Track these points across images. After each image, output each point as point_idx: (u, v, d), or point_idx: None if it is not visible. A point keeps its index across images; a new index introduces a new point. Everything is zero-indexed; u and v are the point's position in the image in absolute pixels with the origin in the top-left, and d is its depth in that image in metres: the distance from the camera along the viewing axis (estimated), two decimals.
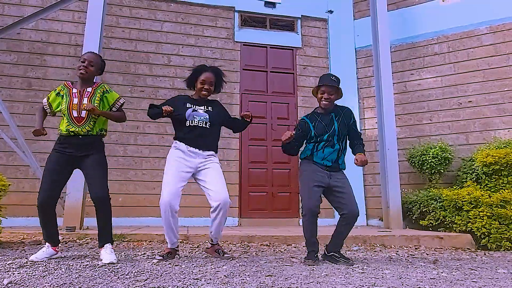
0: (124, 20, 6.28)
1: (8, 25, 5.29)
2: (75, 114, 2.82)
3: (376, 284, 2.16)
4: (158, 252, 3.23)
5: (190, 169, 2.97)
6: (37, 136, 2.88)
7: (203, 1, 6.56)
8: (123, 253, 3.22)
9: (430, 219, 4.96)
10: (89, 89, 2.92)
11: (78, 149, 2.83)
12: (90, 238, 3.96)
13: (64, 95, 2.88)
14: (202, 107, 3.06)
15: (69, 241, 3.86)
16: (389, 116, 5.47)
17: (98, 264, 2.57)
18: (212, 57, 6.45)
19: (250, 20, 6.77)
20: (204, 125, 3.00)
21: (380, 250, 3.87)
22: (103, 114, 2.88)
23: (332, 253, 2.98)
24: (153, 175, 5.93)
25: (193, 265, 2.66)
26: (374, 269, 2.68)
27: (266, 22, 6.81)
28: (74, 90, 2.89)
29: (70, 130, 2.80)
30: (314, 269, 2.64)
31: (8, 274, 2.17)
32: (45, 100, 2.98)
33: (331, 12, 6.98)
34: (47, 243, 2.85)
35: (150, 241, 4.03)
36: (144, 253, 3.19)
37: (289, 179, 6.42)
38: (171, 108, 2.92)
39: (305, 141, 3.13)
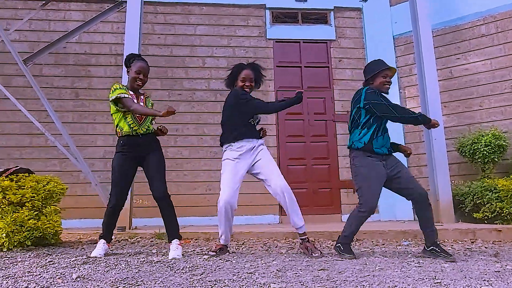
0: (160, 27, 6.46)
1: (55, 40, 5.59)
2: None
3: (436, 278, 2.06)
4: (208, 248, 3.29)
5: (245, 165, 3.02)
6: (171, 114, 2.76)
7: (234, 1, 6.61)
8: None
9: (485, 212, 4.67)
10: (142, 98, 3.11)
11: (141, 148, 3.00)
12: (140, 237, 4.12)
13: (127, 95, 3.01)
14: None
15: (122, 240, 4.04)
16: (434, 105, 5.21)
17: (154, 260, 2.66)
18: (245, 56, 6.47)
19: (282, 16, 6.72)
20: (257, 122, 3.19)
21: None
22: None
23: (432, 247, 2.79)
24: (194, 175, 6.06)
25: (244, 260, 2.69)
26: (431, 263, 2.56)
27: (298, 16, 6.73)
28: (131, 93, 3.04)
29: (134, 129, 2.97)
30: (367, 263, 2.57)
31: (74, 269, 2.31)
32: (125, 94, 2.95)
33: (365, 0, 6.78)
34: (102, 240, 3.00)
35: (196, 239, 4.12)
36: (194, 250, 3.26)
37: (329, 175, 6.31)
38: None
39: (359, 127, 2.91)
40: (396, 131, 5.85)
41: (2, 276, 2.09)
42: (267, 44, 6.56)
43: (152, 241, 4.00)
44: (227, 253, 3.07)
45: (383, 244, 3.77)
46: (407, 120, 2.88)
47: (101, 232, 3.04)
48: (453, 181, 5.39)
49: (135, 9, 5.14)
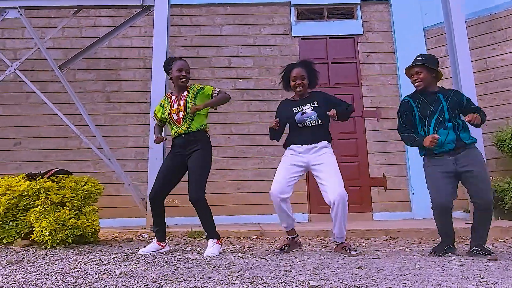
0: (186, 29, 6.55)
1: (87, 46, 5.80)
2: (175, 117, 3.11)
3: (481, 276, 1.99)
4: (275, 246, 3.35)
5: (302, 163, 3.00)
6: (158, 143, 3.24)
7: (259, 0, 6.60)
8: (204, 248, 3.34)
9: None
10: (185, 93, 3.18)
11: (184, 147, 3.08)
12: (173, 236, 4.20)
13: (166, 104, 3.23)
14: (308, 105, 3.04)
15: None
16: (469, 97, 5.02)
17: (190, 258, 2.72)
18: (271, 55, 6.47)
19: (307, 13, 6.67)
20: (316, 123, 3.01)
21: None
22: (205, 106, 3.07)
23: (474, 247, 2.73)
24: (222, 174, 6.11)
25: (278, 258, 2.69)
26: (473, 262, 2.47)
27: (324, 12, 6.65)
28: (173, 98, 3.20)
29: (174, 131, 3.11)
30: (406, 261, 2.52)
31: (116, 266, 2.39)
32: (152, 115, 3.41)
33: None
34: (154, 238, 3.14)
35: (228, 237, 4.16)
36: (227, 248, 3.30)
37: (358, 172, 6.20)
38: (275, 122, 3.04)
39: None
40: None
41: (51, 272, 2.19)
42: (293, 42, 6.52)
43: (185, 239, 4.07)
44: (298, 247, 3.17)
45: (419, 243, 3.68)
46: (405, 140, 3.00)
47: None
48: (491, 177, 5.17)
49: (162, 12, 5.24)
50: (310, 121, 2.99)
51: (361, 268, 2.29)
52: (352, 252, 2.86)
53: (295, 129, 3.07)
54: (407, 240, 3.84)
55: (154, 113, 3.37)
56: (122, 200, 5.74)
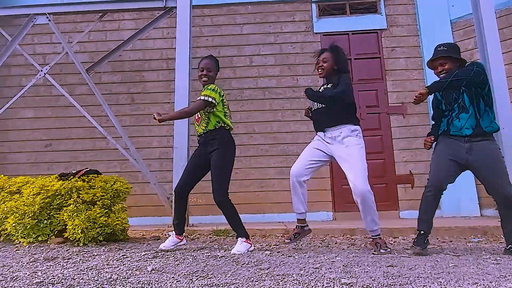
0: (207, 29, 6.60)
1: (112, 49, 5.95)
2: (196, 116, 3.20)
3: None
4: (284, 238, 3.34)
5: (328, 151, 2.96)
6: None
7: None
8: (231, 246, 3.36)
9: None
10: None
11: (205, 146, 3.14)
12: (199, 234, 4.25)
13: None
14: (322, 88, 3.06)
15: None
16: (500, 91, 4.82)
17: (218, 255, 2.74)
18: (293, 52, 6.44)
19: (328, 9, 6.59)
20: (319, 107, 2.97)
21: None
22: (169, 118, 3.27)
23: (510, 245, 2.66)
24: (245, 173, 6.13)
25: (306, 256, 2.68)
26: (510, 260, 2.39)
27: (346, 7, 6.56)
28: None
29: (197, 130, 3.21)
30: (438, 260, 2.45)
31: (147, 263, 2.44)
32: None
33: None
34: (172, 232, 3.20)
35: (253, 235, 4.16)
36: (254, 247, 3.29)
37: (384, 169, 6.09)
38: (305, 110, 3.14)
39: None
40: None
41: (86, 268, 2.26)
42: (315, 38, 6.47)
43: (211, 237, 4.11)
44: (306, 235, 3.16)
45: (451, 241, 3.58)
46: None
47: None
48: None
49: (184, 14, 5.29)
50: (318, 104, 3.00)
51: (392, 266, 2.25)
52: (381, 250, 2.81)
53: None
54: (437, 239, 3.74)
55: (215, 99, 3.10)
56: (148, 199, 5.86)
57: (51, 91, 6.22)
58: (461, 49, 6.07)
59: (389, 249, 2.85)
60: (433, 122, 3.03)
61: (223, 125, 3.13)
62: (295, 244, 3.15)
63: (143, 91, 6.42)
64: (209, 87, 3.14)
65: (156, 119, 3.06)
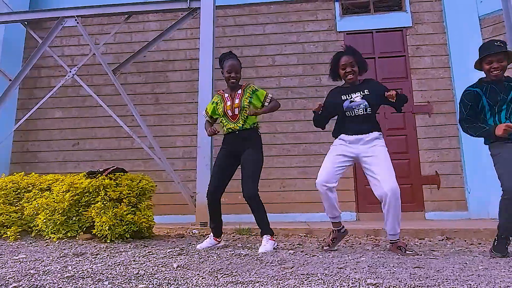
0: (230, 29, 6.65)
1: (137, 51, 6.08)
2: (229, 113, 3.19)
3: None
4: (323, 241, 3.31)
5: (351, 154, 2.92)
6: (211, 135, 3.21)
7: None
8: (254, 245, 3.38)
9: None
10: (239, 91, 3.25)
11: (237, 144, 3.16)
12: (223, 232, 4.26)
13: (219, 101, 3.29)
14: (358, 93, 2.93)
15: (206, 234, 4.23)
16: None
17: (242, 253, 2.75)
18: (315, 51, 6.40)
19: (352, 7, 6.51)
20: (365, 112, 2.90)
21: None
22: (257, 113, 3.12)
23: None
24: (267, 173, 6.12)
25: (330, 256, 2.66)
26: None
27: (369, 5, 6.46)
28: (226, 95, 3.28)
29: (228, 127, 3.19)
30: (467, 262, 2.38)
31: (173, 260, 2.48)
32: (204, 113, 3.49)
33: None
34: (211, 233, 3.24)
35: (276, 235, 4.14)
36: (278, 245, 3.30)
37: (409, 169, 5.96)
38: (318, 105, 3.04)
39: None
40: None
41: (113, 263, 2.32)
42: (338, 37, 6.40)
43: (234, 236, 4.13)
44: (345, 237, 3.12)
45: (479, 244, 3.46)
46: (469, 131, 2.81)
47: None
48: None
49: (208, 14, 5.36)
50: (358, 110, 2.88)
51: (419, 267, 2.20)
52: (407, 252, 2.75)
53: (343, 117, 2.98)
54: (465, 241, 3.63)
55: (205, 110, 3.45)
56: (172, 197, 5.95)
57: (78, 91, 6.43)
58: None
59: (415, 251, 2.78)
60: (468, 124, 2.80)
61: (256, 125, 3.25)
62: (333, 249, 3.09)
63: (167, 91, 6.53)
64: (257, 87, 3.31)
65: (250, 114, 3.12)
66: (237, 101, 3.19)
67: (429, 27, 6.25)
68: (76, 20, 5.70)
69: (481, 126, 2.72)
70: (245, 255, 2.69)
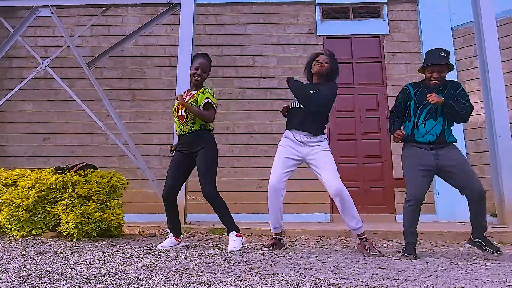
0: (210, 27, 6.61)
1: (114, 44, 5.95)
2: (178, 113, 3.12)
3: (507, 281, 1.92)
4: (262, 244, 3.31)
5: (298, 157, 2.98)
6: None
7: None
8: (226, 245, 3.37)
9: None
10: (194, 92, 3.17)
11: (189, 146, 3.10)
12: (195, 232, 4.26)
13: (176, 101, 3.18)
14: (314, 90, 2.95)
15: None
16: (499, 99, 4.84)
17: (211, 253, 2.74)
18: (295, 54, 6.44)
19: (332, 12, 6.60)
20: (300, 106, 2.97)
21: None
22: (188, 108, 3.00)
23: (478, 239, 2.76)
24: (244, 173, 6.14)
25: (298, 256, 2.69)
26: (499, 266, 2.39)
27: (349, 11, 6.56)
28: (185, 94, 3.19)
29: (180, 129, 3.11)
30: (428, 263, 2.46)
31: (139, 259, 2.44)
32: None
33: None
34: (170, 234, 3.17)
35: (249, 235, 4.17)
36: (248, 245, 3.31)
37: (382, 173, 6.09)
38: (283, 108, 3.12)
39: (404, 121, 2.98)
40: (455, 128, 5.51)
41: (76, 263, 2.27)
42: (317, 41, 6.47)
43: (207, 235, 4.12)
44: (282, 248, 3.09)
45: (443, 246, 3.58)
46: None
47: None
48: None
49: (188, 11, 5.30)
50: (299, 104, 3.00)
51: (382, 268, 2.25)
52: (372, 253, 2.82)
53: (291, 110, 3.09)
54: (430, 243, 3.74)
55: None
56: (145, 196, 5.86)
57: (51, 84, 6.23)
58: (461, 56, 6.16)
59: (380, 252, 2.85)
60: (391, 117, 3.04)
61: (208, 126, 3.15)
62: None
63: (145, 87, 6.43)
64: (208, 91, 3.14)
65: (177, 99, 3.03)
66: (186, 100, 3.10)
67: (405, 35, 6.40)
68: (50, 10, 5.51)
69: (393, 124, 2.98)
70: (214, 254, 2.68)
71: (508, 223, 4.57)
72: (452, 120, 2.87)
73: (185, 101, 3.07)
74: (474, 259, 2.68)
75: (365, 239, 2.94)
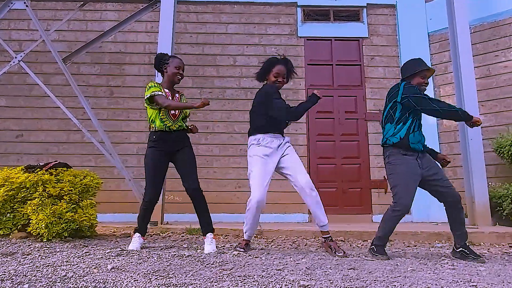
0: (192, 26, 6.55)
1: (92, 40, 5.82)
2: (172, 111, 3.08)
3: (472, 281, 1.98)
4: (237, 245, 3.30)
5: (273, 164, 3.05)
6: (205, 105, 2.88)
7: (266, 0, 6.59)
8: (201, 245, 3.35)
9: None
10: (177, 95, 3.22)
11: (173, 144, 3.08)
12: (172, 232, 4.21)
13: (161, 91, 3.05)
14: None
15: (153, 234, 4.15)
16: (471, 103, 5.00)
17: (185, 254, 2.71)
18: (276, 54, 6.41)
19: (313, 14, 6.65)
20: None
21: None
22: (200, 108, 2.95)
23: (462, 248, 2.78)
24: (223, 173, 6.12)
25: (272, 258, 2.69)
26: (465, 266, 2.47)
27: (330, 14, 6.63)
28: (166, 90, 3.14)
29: (167, 125, 3.05)
30: (398, 264, 2.51)
31: (109, 261, 2.39)
32: (159, 92, 3.04)
33: None
34: (138, 234, 3.09)
35: (226, 235, 4.16)
36: (223, 246, 3.30)
37: (360, 174, 6.18)
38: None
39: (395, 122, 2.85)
40: (429, 131, 5.67)
41: (43, 265, 2.20)
42: (298, 42, 6.51)
43: (183, 236, 4.08)
44: (251, 249, 3.13)
45: (415, 246, 3.66)
46: (448, 114, 2.72)
47: (136, 226, 3.13)
48: (490, 183, 5.15)
49: (168, 8, 5.24)
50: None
51: (353, 269, 2.29)
52: (337, 253, 2.85)
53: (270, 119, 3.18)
54: (404, 243, 3.82)
55: (157, 91, 3.01)
56: (122, 195, 5.76)
57: (25, 79, 6.06)
58: (436, 61, 6.33)
59: (344, 252, 2.88)
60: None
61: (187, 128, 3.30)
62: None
63: (123, 84, 6.32)
64: (184, 95, 3.29)
65: (205, 104, 2.87)
66: (178, 101, 3.19)
67: (384, 39, 6.52)
68: (25, 3, 5.34)
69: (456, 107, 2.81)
70: (188, 256, 2.66)
71: (478, 224, 4.74)
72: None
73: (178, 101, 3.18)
74: (442, 259, 2.75)
75: (330, 238, 3.00)
